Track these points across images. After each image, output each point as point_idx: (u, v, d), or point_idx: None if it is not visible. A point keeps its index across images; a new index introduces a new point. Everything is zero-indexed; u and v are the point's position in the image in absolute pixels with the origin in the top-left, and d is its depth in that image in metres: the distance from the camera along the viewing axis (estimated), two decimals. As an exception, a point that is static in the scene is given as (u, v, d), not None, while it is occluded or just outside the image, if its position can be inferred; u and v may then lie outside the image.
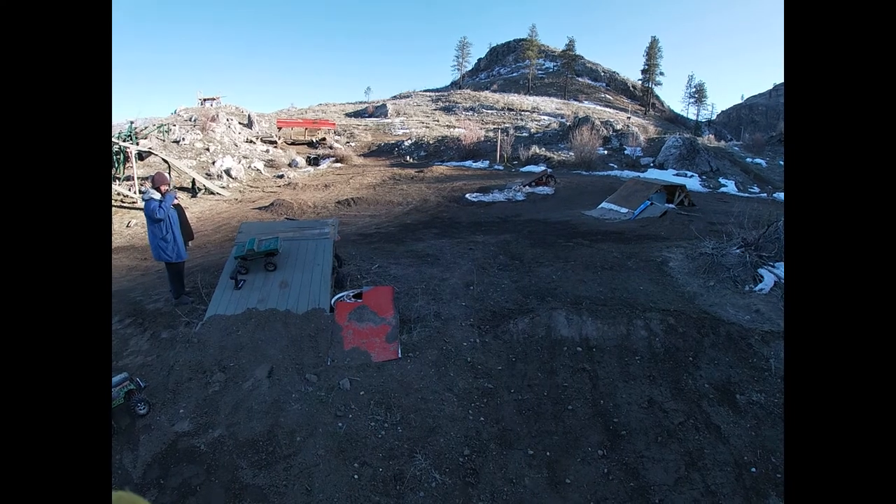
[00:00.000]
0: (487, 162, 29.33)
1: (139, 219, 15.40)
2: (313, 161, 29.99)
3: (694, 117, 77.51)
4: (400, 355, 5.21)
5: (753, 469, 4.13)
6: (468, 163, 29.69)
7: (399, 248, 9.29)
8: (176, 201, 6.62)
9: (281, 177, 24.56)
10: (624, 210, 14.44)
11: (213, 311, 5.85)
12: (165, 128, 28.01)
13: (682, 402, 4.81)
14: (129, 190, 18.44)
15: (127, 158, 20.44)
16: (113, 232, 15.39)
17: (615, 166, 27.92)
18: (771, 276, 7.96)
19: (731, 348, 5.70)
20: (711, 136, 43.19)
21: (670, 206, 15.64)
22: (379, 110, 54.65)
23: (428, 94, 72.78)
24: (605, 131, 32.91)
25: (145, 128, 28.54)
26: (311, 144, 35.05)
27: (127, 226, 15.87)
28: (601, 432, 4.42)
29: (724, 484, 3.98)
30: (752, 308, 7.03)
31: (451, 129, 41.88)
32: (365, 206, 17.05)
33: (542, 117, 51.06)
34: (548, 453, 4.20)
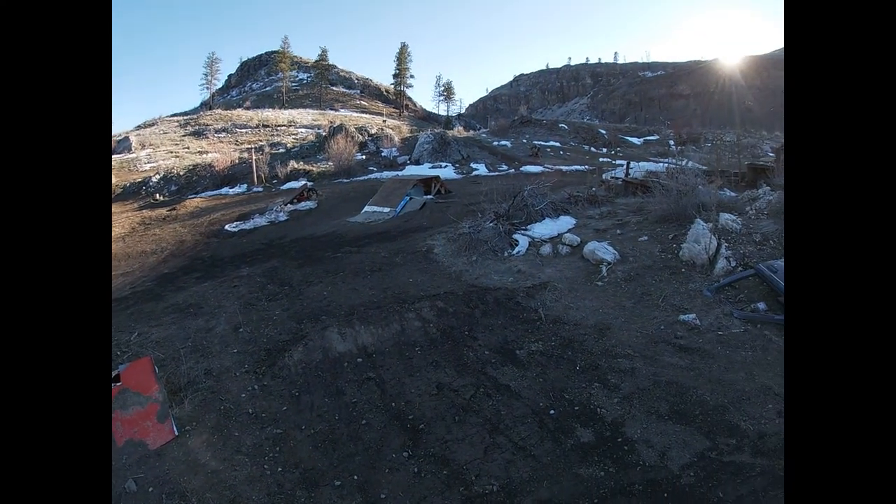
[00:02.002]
0: (245, 185, 27.93)
1: None
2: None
3: (445, 113, 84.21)
4: (177, 433, 4.75)
5: (552, 412, 4.50)
6: (224, 190, 27.87)
7: (159, 306, 8.42)
8: None
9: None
10: (387, 209, 15.20)
11: None
12: None
13: (469, 376, 5.10)
14: None
15: None
16: None
17: (374, 169, 29.09)
18: (525, 238, 9.25)
19: (500, 311, 6.31)
20: (461, 128, 47.78)
21: (429, 197, 16.97)
22: (121, 144, 47.42)
23: (176, 118, 65.74)
24: (360, 137, 34.05)
25: None
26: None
27: None
28: (401, 434, 4.48)
29: (529, 436, 4.24)
30: (514, 270, 8.01)
31: (204, 156, 38.80)
32: (115, 264, 14.88)
33: (300, 130, 50.45)
34: (355, 476, 4.09)
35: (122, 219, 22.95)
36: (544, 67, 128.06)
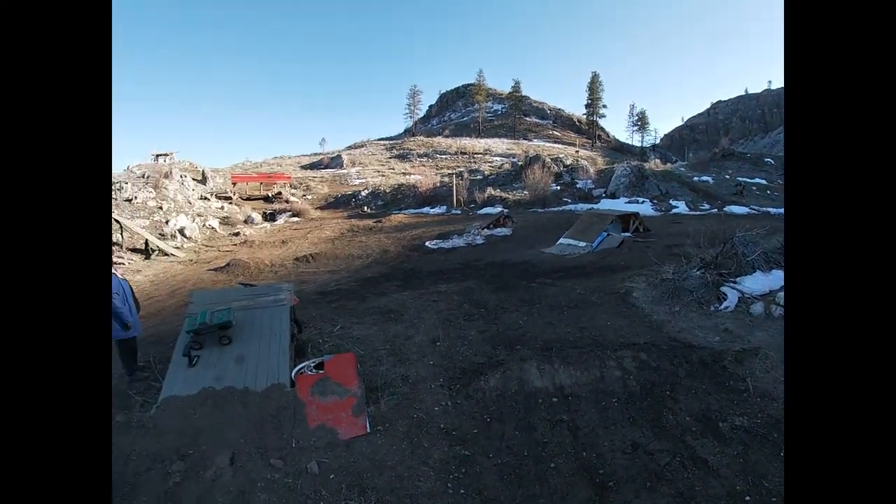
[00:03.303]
0: (445, 207, 29.60)
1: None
2: (269, 216, 29.58)
3: (639, 144, 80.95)
4: (369, 430, 4.91)
5: (748, 497, 4.00)
6: (426, 209, 29.89)
7: (361, 306, 9.05)
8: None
9: (237, 234, 24.02)
10: (582, 244, 14.65)
11: (168, 393, 5.43)
12: (117, 185, 27.14)
13: (666, 441, 4.67)
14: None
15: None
16: None
17: (569, 200, 28.64)
18: (734, 293, 8.10)
19: (706, 374, 5.65)
20: (658, 161, 45.06)
21: (626, 234, 16.02)
22: (334, 161, 54.90)
23: (382, 142, 73.76)
24: (555, 167, 33.92)
25: (93, 189, 27.65)
26: (266, 199, 34.64)
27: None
28: (588, 487, 4.20)
29: (721, 521, 3.79)
30: (721, 328, 7.08)
31: (407, 177, 42.34)
32: (324, 262, 16.74)
33: (495, 158, 52.35)
34: (535, 520, 3.86)
35: (333, 224, 25.86)
36: (743, 93, 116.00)
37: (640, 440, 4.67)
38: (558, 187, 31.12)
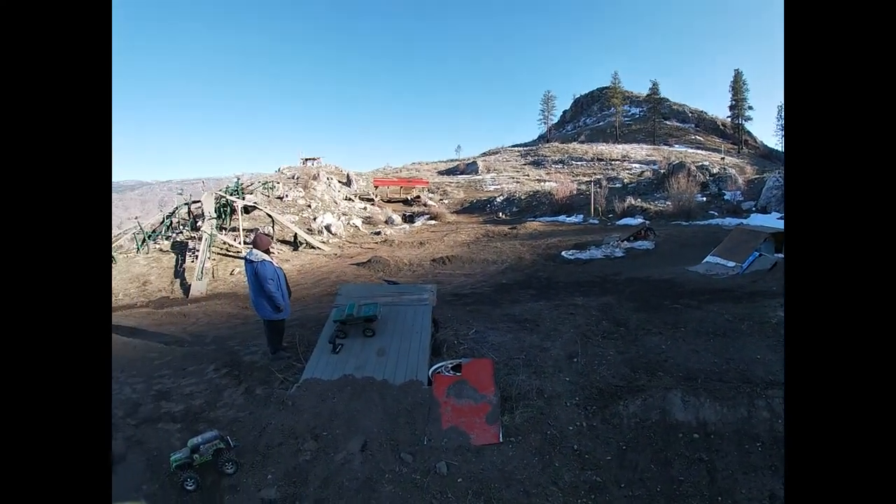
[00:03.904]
0: (581, 216, 28.71)
1: (242, 267, 16.52)
2: (408, 218, 30.96)
3: None
4: (501, 439, 4.84)
5: None
6: (561, 217, 29.25)
7: (496, 311, 9.02)
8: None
9: (378, 233, 25.47)
10: (731, 264, 13.34)
11: (310, 375, 5.84)
12: (270, 184, 30.28)
13: None
14: (234, 240, 19.85)
15: (234, 211, 22.20)
16: (216, 279, 16.49)
17: (716, 214, 26.30)
18: None
19: None
20: None
21: (780, 255, 14.23)
22: (470, 167, 56.00)
23: (516, 149, 73.78)
24: (701, 176, 31.26)
25: (251, 184, 31.05)
26: (406, 202, 36.38)
27: (231, 273, 16.95)
28: None
29: None
30: None
31: (542, 184, 41.81)
32: (459, 265, 17.07)
33: (634, 165, 49.78)
34: (663, 563, 3.55)
35: (468, 228, 26.29)
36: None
37: (780, 492, 4.13)
38: (704, 198, 28.65)
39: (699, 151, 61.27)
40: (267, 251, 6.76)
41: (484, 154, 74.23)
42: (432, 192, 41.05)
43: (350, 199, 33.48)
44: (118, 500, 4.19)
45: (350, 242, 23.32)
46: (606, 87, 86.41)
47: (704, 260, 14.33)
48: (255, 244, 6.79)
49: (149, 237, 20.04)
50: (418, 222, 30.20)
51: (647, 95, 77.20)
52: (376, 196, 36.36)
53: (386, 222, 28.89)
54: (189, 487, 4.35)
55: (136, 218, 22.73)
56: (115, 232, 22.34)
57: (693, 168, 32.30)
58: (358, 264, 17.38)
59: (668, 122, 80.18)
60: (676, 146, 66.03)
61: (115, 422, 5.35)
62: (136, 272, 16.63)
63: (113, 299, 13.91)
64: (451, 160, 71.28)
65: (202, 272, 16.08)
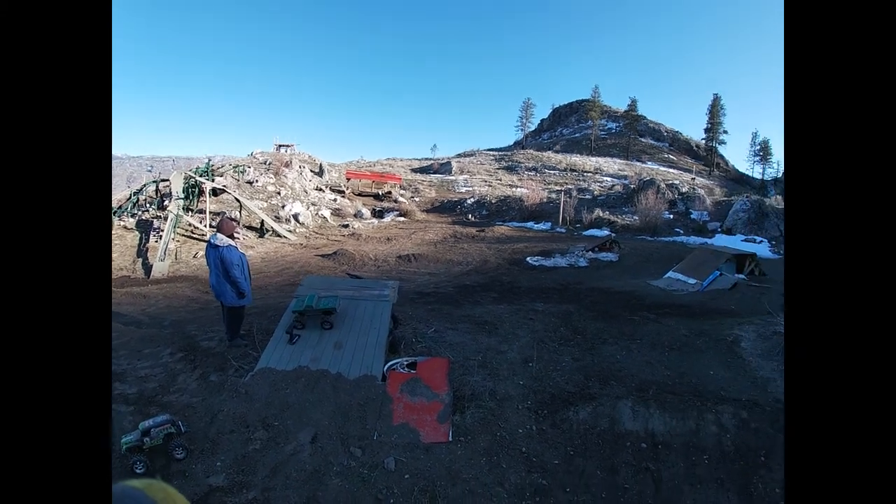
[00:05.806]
0: (550, 224, 29.09)
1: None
2: (378, 213, 30.78)
3: (759, 176, 74.24)
4: (451, 438, 4.88)
5: None
6: (530, 224, 29.57)
7: (456, 312, 9.06)
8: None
9: (346, 226, 25.26)
10: (692, 281, 13.69)
11: (265, 364, 5.77)
12: (241, 168, 29.63)
13: None
14: (200, 223, 19.39)
15: (201, 193, 21.67)
16: (179, 260, 16.09)
17: (681, 231, 27.00)
18: None
19: None
20: (779, 197, 40.99)
21: (740, 276, 14.74)
22: (444, 167, 56.00)
23: (491, 153, 74.11)
24: (670, 194, 32.07)
25: (222, 166, 30.32)
26: (377, 197, 36.13)
27: (194, 256, 16.55)
28: None
29: None
30: None
31: (514, 189, 42.16)
32: (425, 263, 17.08)
33: (605, 178, 50.70)
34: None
35: (437, 228, 26.32)
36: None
37: (724, 505, 4.31)
38: (671, 216, 29.39)
39: (671, 170, 62.78)
40: (231, 236, 6.65)
41: (459, 155, 74.36)
42: (404, 189, 40.87)
43: (321, 189, 33.04)
44: None
45: (317, 233, 23.03)
46: (586, 100, 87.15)
47: (666, 275, 14.66)
48: (219, 228, 6.66)
49: (114, 213, 19.36)
50: (387, 218, 30.05)
51: (626, 111, 78.42)
52: (348, 188, 35.98)
53: (355, 216, 28.64)
54: (138, 471, 4.24)
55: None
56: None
57: (663, 185, 33.07)
58: (323, 256, 17.20)
59: (643, 140, 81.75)
60: (649, 163, 67.44)
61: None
62: (93, 248, 16.02)
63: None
64: (426, 158, 71.17)
65: (165, 253, 15.63)
